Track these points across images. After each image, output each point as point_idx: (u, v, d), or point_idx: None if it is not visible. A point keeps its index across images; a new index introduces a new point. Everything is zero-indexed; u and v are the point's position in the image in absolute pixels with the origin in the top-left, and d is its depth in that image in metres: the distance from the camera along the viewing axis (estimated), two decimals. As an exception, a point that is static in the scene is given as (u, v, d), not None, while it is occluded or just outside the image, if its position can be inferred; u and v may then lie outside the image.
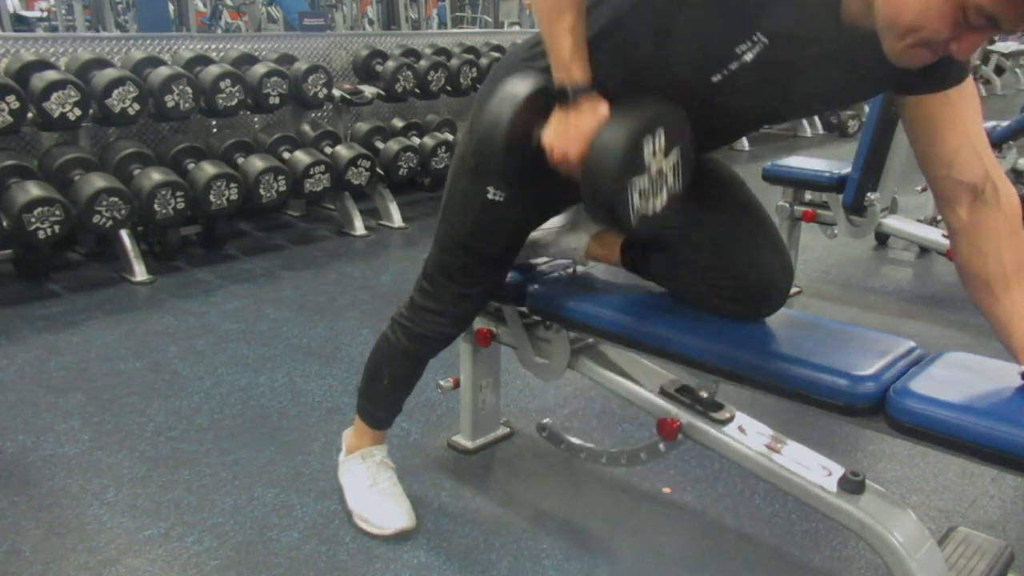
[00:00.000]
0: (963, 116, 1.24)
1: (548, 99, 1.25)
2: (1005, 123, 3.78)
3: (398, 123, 4.53)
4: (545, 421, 1.87)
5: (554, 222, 1.67)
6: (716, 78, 1.20)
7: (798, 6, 1.12)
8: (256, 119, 4.17)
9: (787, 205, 3.19)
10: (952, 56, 1.05)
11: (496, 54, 4.95)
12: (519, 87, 1.27)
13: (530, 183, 1.33)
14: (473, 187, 1.47)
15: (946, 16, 1.00)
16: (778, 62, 1.16)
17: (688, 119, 1.25)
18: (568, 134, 1.21)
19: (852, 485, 1.30)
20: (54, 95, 3.12)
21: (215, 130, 4.00)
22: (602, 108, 1.21)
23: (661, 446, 1.55)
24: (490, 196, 1.45)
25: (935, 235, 3.07)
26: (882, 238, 3.90)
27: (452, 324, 1.66)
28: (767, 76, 1.19)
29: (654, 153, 1.19)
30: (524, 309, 1.74)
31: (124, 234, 3.36)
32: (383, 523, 1.74)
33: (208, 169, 3.46)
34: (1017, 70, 10.41)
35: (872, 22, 1.08)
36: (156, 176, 3.32)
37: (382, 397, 1.80)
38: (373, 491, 1.79)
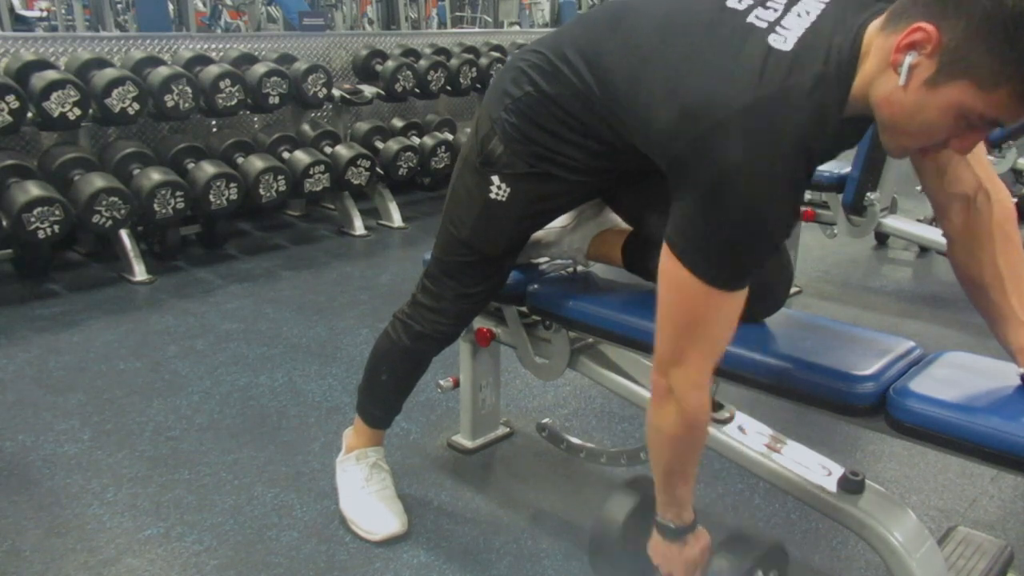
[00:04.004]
0: None
1: (647, 512, 1.38)
2: (1005, 123, 3.78)
3: (398, 123, 4.52)
4: (545, 421, 1.88)
5: (556, 222, 1.67)
6: None
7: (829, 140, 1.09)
8: (256, 119, 4.17)
9: (787, 205, 3.18)
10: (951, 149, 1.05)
11: (496, 54, 4.94)
12: (628, 501, 1.47)
13: None
14: (476, 186, 1.47)
15: (945, 127, 1.00)
16: None
17: (783, 544, 1.43)
18: (674, 562, 1.34)
19: (852, 485, 1.30)
20: (54, 95, 3.12)
21: (215, 130, 3.99)
22: (703, 539, 1.34)
23: (661, 446, 1.55)
24: (492, 195, 1.45)
25: (935, 235, 3.07)
26: (882, 238, 3.90)
27: (452, 323, 1.66)
28: None
29: None
30: (524, 309, 1.74)
31: (124, 234, 3.36)
32: (373, 527, 1.74)
33: (208, 169, 3.46)
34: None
35: (868, 112, 1.07)
36: (156, 176, 3.32)
37: (381, 395, 1.80)
38: (364, 493, 1.78)
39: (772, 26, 1.07)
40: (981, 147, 1.28)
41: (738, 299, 1.14)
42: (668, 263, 1.13)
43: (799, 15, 1.08)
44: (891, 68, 1.00)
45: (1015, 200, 1.34)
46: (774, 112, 1.02)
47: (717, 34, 1.11)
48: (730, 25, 1.10)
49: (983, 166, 1.27)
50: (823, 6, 1.09)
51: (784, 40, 1.05)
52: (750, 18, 1.10)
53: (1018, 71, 0.91)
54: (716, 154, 1.04)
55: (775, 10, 1.10)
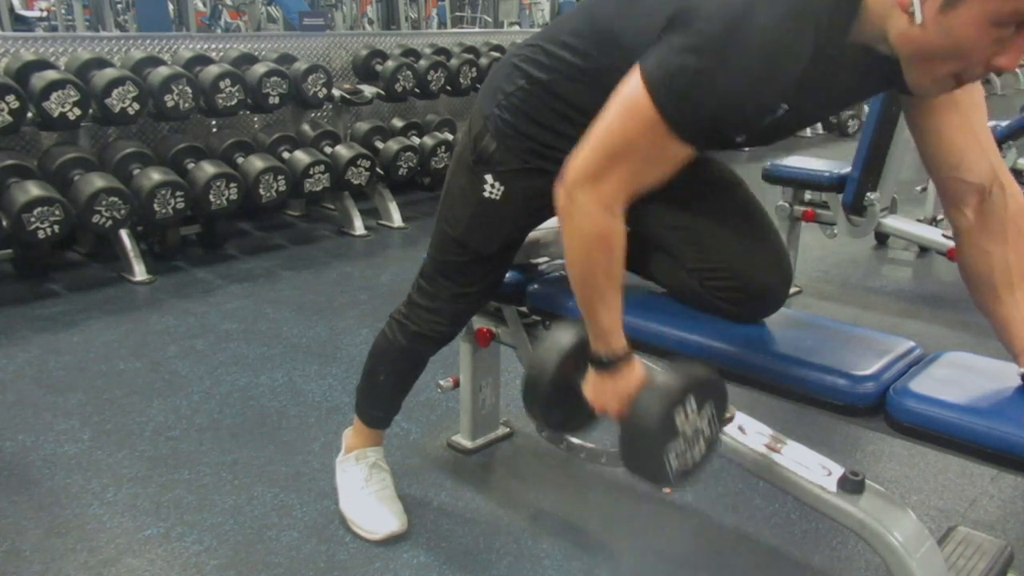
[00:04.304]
0: (969, 116, 1.24)
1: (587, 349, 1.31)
2: (1005, 123, 3.78)
3: (398, 123, 4.53)
4: (545, 421, 1.87)
5: (554, 221, 1.67)
6: (739, 139, 1.22)
7: (812, 60, 1.07)
8: (256, 119, 4.17)
9: (787, 205, 3.19)
10: (998, 71, 1.03)
11: (496, 54, 4.95)
12: (563, 339, 1.35)
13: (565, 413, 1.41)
14: (470, 184, 1.47)
15: (981, 42, 0.98)
16: (799, 110, 1.16)
17: (720, 377, 1.30)
18: (607, 395, 1.28)
19: (852, 485, 1.30)
20: (54, 95, 3.12)
21: (215, 130, 4.00)
22: (637, 371, 1.27)
23: (661, 446, 1.55)
24: (486, 194, 1.45)
25: (935, 235, 3.07)
26: (882, 238, 3.90)
27: (449, 323, 1.66)
28: (785, 121, 1.19)
29: (687, 417, 1.25)
30: (524, 309, 1.74)
31: (124, 234, 3.36)
32: (373, 527, 1.74)
33: (208, 169, 3.46)
34: (1017, 70, 10.42)
35: (885, 48, 1.06)
36: (156, 176, 3.32)
37: (379, 395, 1.80)
38: (364, 493, 1.78)
39: None
40: (993, 141, 1.28)
41: (679, 151, 1.12)
42: (631, 82, 1.11)
43: None
44: (899, 8, 1.01)
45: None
46: None
47: None
48: None
49: (998, 159, 1.26)
50: None
51: None
52: None
53: None
54: None
55: None
